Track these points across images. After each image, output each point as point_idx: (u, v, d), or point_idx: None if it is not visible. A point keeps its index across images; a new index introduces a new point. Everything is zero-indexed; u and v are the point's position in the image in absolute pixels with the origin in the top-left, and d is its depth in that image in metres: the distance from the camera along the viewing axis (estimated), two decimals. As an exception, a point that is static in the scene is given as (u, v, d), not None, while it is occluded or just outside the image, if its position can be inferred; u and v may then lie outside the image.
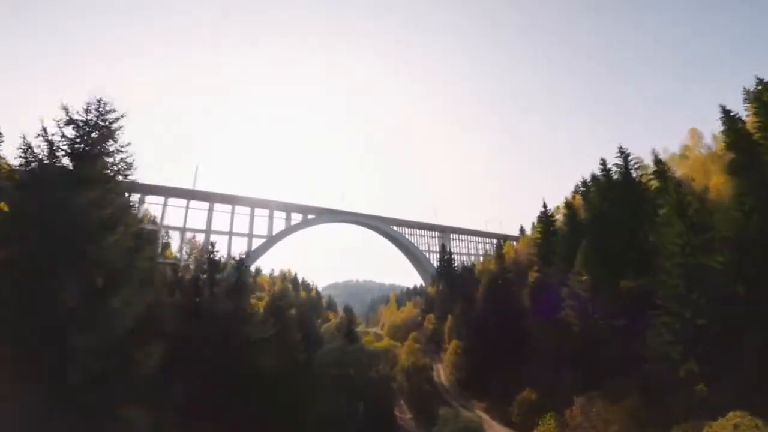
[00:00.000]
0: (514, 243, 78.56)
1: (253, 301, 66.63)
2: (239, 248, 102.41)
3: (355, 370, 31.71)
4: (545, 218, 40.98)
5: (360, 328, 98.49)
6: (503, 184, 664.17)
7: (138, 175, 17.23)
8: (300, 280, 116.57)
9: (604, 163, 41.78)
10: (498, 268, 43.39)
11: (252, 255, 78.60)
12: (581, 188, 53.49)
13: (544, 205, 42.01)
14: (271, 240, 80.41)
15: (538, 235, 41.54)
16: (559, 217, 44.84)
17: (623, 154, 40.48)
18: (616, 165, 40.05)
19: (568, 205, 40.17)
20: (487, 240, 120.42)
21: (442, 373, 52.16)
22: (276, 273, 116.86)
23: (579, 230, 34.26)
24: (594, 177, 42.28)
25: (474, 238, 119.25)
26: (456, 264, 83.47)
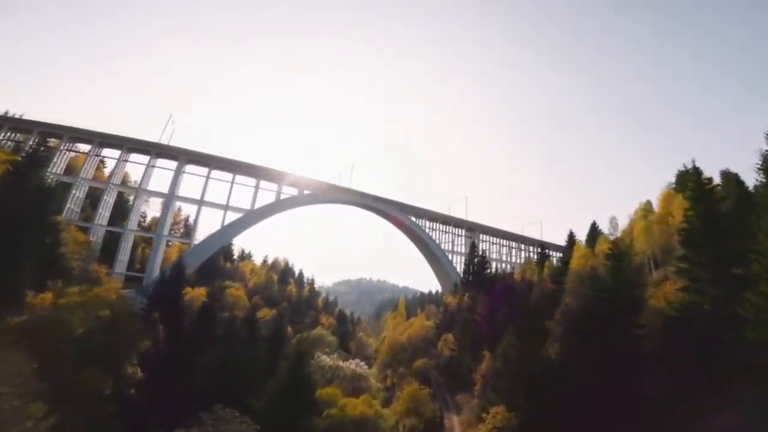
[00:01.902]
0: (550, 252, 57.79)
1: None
2: (212, 221, 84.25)
3: None
4: (700, 190, 21.07)
5: (358, 337, 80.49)
6: (537, 189, 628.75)
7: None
8: (296, 273, 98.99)
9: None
10: (611, 278, 22.42)
11: (225, 231, 61.82)
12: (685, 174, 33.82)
13: (697, 171, 22.07)
14: (253, 215, 63.19)
15: (684, 223, 21.64)
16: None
17: None
18: None
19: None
20: (523, 246, 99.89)
21: (460, 435, 33.16)
22: (271, 261, 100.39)
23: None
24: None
25: (508, 242, 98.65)
26: (488, 270, 63.40)
